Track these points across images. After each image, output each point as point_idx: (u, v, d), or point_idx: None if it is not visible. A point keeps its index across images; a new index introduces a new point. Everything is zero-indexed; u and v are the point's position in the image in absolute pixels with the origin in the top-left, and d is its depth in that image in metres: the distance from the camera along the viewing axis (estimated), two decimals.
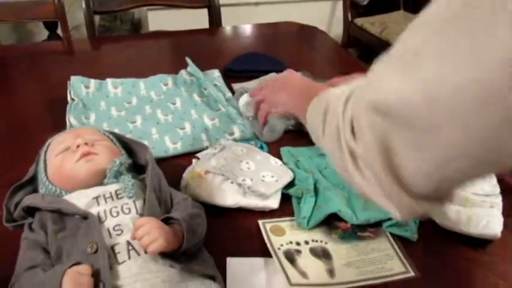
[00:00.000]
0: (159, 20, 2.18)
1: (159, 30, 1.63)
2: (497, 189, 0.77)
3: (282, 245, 0.68)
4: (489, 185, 0.78)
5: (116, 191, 0.58)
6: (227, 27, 1.52)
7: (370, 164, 0.39)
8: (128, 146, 0.71)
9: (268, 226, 0.72)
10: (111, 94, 1.01)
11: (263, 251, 0.67)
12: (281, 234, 0.71)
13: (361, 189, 0.42)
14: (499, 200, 0.75)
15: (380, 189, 0.39)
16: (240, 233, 0.71)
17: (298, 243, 0.69)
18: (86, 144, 0.62)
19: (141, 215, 0.55)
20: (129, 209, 0.56)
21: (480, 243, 0.70)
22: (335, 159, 0.45)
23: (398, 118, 0.34)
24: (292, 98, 0.70)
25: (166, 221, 0.54)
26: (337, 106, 0.44)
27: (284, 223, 0.73)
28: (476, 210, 0.72)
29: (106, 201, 0.57)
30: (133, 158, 0.69)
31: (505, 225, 0.71)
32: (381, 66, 0.38)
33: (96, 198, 0.57)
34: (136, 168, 0.67)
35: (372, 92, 0.38)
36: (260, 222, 0.72)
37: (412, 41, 0.34)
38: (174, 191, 0.64)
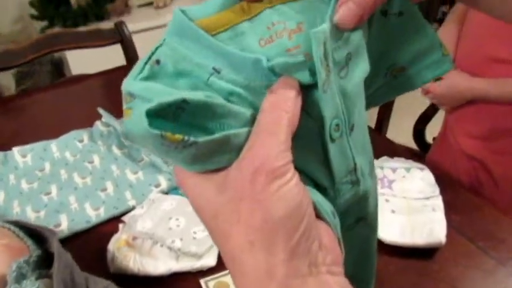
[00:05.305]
0: (79, 57, 2.04)
1: (68, 78, 1.51)
2: (437, 189, 0.75)
3: None
4: (428, 186, 0.76)
5: None
6: None
7: None
8: (36, 232, 0.63)
9: (211, 284, 0.66)
10: (19, 165, 0.91)
11: None
12: None
13: None
14: (440, 201, 0.73)
15: None
16: None
17: None
18: None
19: None
20: None
21: (428, 250, 0.68)
22: None
23: None
24: None
25: None
26: None
27: (228, 277, 0.67)
28: (419, 217, 0.70)
29: None
30: (44, 246, 0.61)
31: (449, 223, 0.69)
32: None
33: None
34: (50, 258, 0.59)
35: None
36: (202, 281, 0.66)
37: None
38: (91, 279, 0.56)
